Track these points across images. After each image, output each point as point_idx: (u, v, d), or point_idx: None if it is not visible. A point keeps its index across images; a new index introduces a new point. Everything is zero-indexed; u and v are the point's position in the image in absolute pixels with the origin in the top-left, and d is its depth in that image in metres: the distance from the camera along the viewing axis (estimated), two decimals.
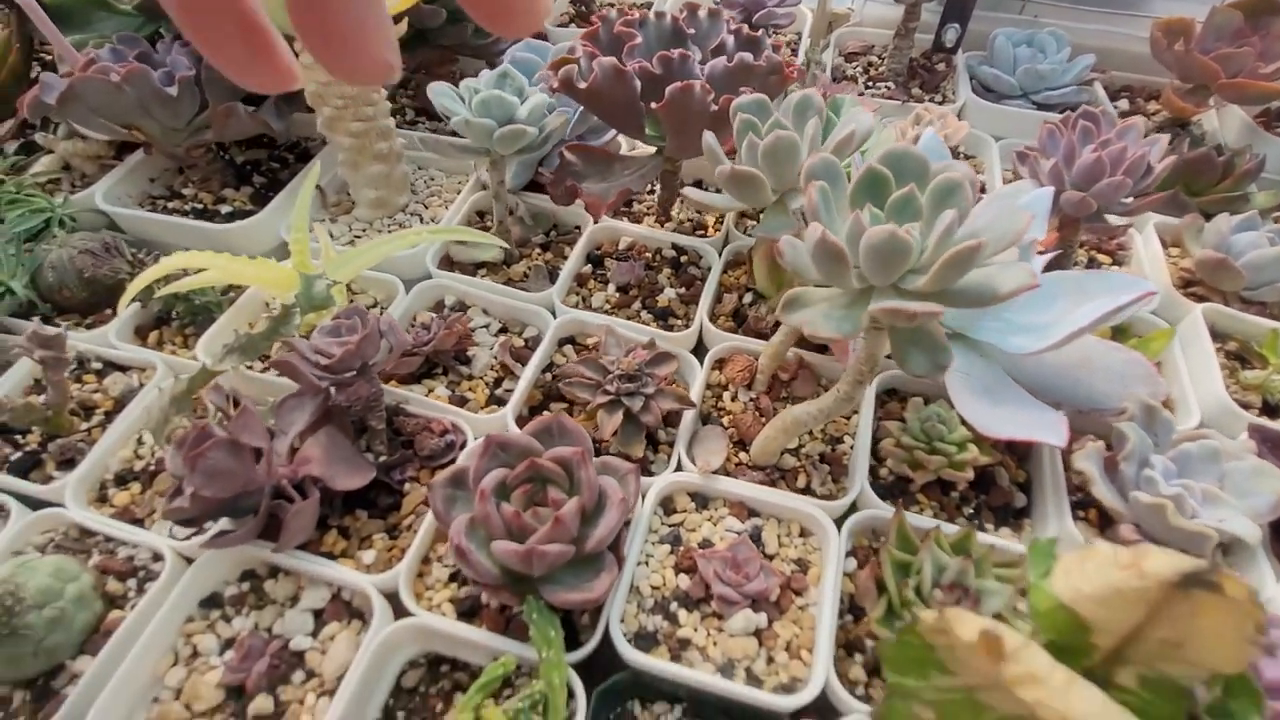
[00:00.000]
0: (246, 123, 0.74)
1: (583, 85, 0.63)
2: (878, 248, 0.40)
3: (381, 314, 0.58)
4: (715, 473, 0.60)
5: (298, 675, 0.51)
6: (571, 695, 0.48)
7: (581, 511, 0.49)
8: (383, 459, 0.60)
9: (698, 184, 0.90)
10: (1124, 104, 1.04)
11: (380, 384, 0.59)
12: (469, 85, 0.65)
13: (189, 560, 0.55)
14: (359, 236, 0.82)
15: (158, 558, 0.57)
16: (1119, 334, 0.72)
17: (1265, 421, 0.63)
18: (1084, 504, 0.60)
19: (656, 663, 0.50)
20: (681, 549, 0.57)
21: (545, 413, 0.65)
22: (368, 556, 0.55)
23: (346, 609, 0.54)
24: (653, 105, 0.63)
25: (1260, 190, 0.85)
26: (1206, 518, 0.53)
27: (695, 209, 0.86)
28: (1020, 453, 0.65)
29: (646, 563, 0.56)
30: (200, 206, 0.84)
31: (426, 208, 0.85)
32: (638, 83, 0.65)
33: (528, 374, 0.65)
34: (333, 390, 0.57)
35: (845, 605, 0.55)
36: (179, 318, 0.75)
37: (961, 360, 0.66)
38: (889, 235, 0.39)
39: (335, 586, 0.54)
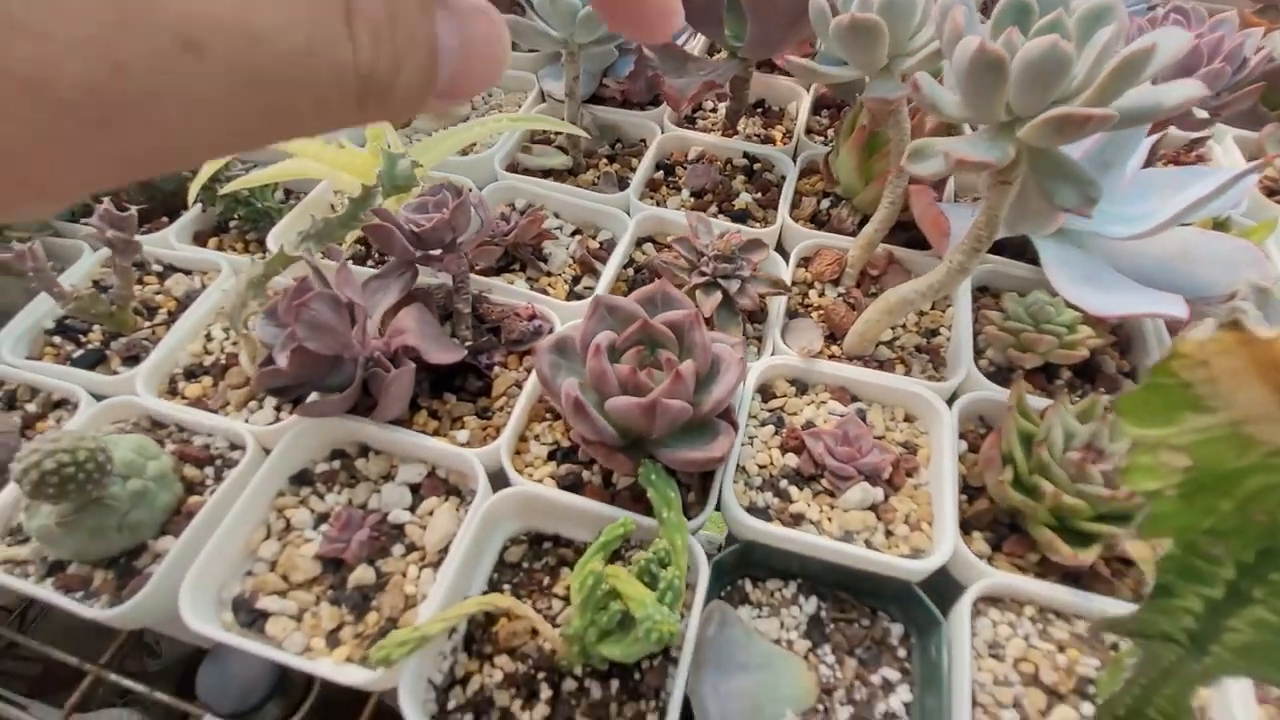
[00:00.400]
0: None
1: None
2: (1035, 63, 0.38)
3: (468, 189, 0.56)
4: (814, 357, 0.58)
5: (398, 548, 0.48)
6: (691, 561, 0.46)
7: (696, 374, 0.47)
8: (469, 344, 0.57)
9: (760, 104, 0.88)
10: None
11: (467, 264, 0.57)
12: None
13: (267, 452, 0.52)
14: None
15: (235, 446, 0.55)
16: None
17: None
18: None
19: (776, 529, 0.48)
20: (785, 430, 0.55)
21: None
22: (461, 436, 0.53)
23: (444, 485, 0.51)
24: None
25: None
26: None
27: (764, 125, 0.84)
28: (1123, 345, 0.63)
29: (750, 443, 0.54)
30: None
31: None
32: None
33: (614, 262, 0.63)
34: (419, 269, 0.55)
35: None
36: (239, 222, 0.73)
37: (1058, 251, 0.64)
38: (1050, 47, 0.37)
39: (431, 464, 0.52)
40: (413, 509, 0.50)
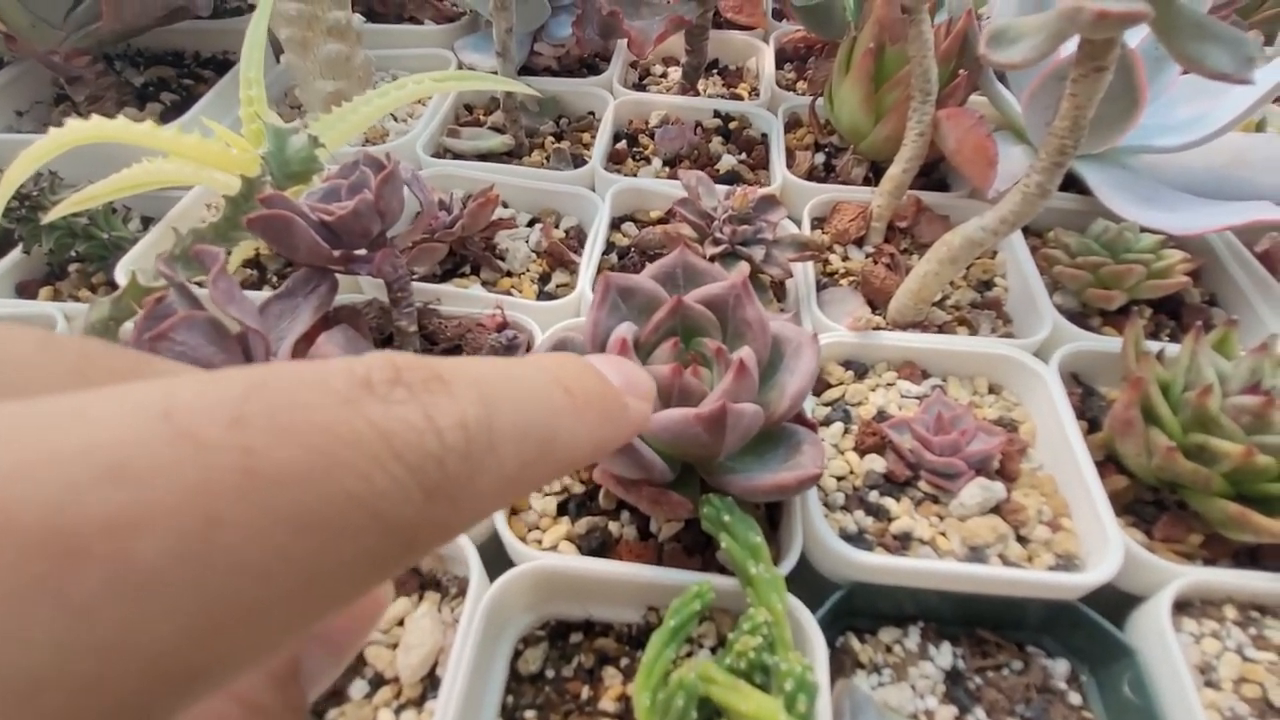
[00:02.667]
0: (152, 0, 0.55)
1: None
2: None
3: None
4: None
5: (358, 684, 0.32)
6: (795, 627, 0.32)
7: (758, 363, 0.34)
8: None
9: (714, 65, 0.77)
10: None
11: (406, 266, 0.42)
12: None
13: None
14: None
15: None
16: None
17: None
18: None
19: (891, 562, 0.35)
20: (857, 426, 0.42)
21: None
22: None
23: (415, 578, 0.36)
24: None
25: None
26: None
27: (725, 85, 0.73)
28: (1195, 271, 0.54)
29: None
30: None
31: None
32: None
33: (593, 251, 0.49)
34: (339, 280, 0.39)
35: None
36: (81, 261, 0.54)
37: (1103, 174, 0.55)
38: None
39: None
40: None
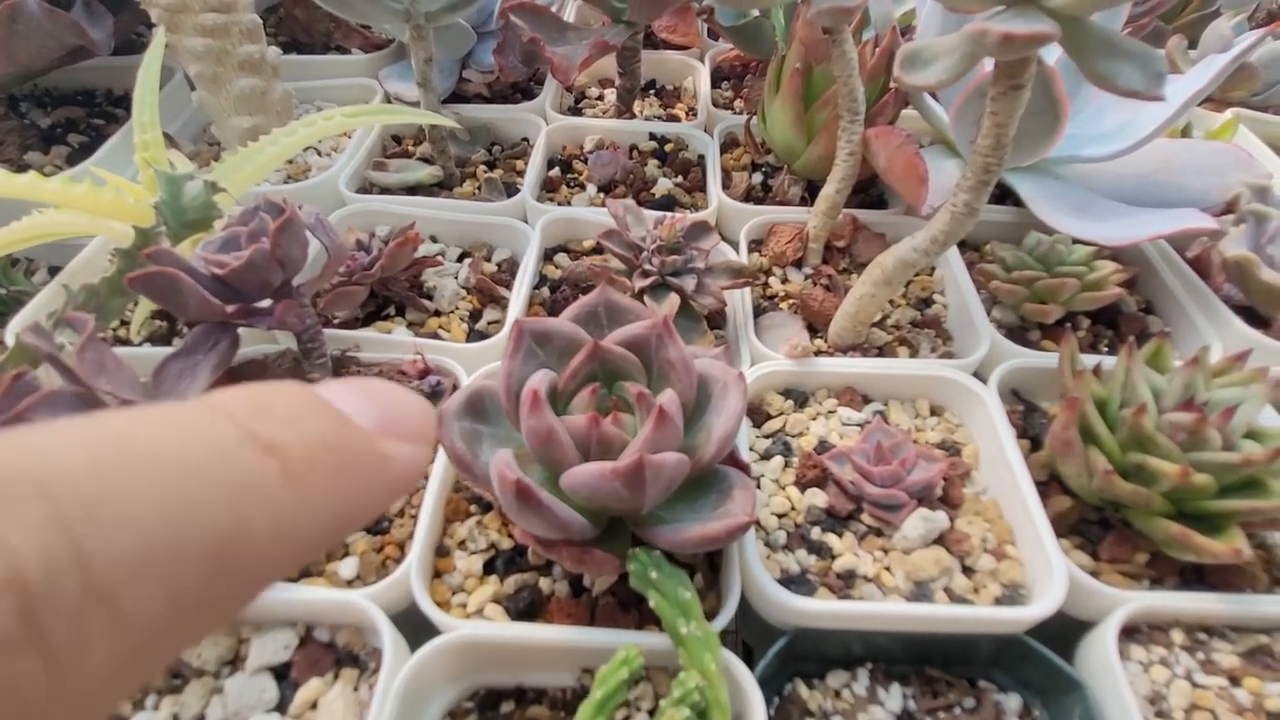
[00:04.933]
0: (45, 30, 0.52)
1: None
2: None
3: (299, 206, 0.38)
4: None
5: None
6: (732, 684, 0.30)
7: (683, 407, 0.32)
8: None
9: (651, 85, 0.76)
10: None
11: (314, 312, 0.39)
12: None
13: None
14: None
15: None
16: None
17: None
18: None
19: (834, 607, 0.34)
20: (797, 459, 0.41)
21: None
22: (347, 568, 0.35)
23: (329, 654, 0.33)
24: None
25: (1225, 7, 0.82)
26: None
27: (662, 106, 0.72)
28: (1130, 279, 0.54)
29: (758, 485, 0.40)
30: None
31: (320, 141, 0.65)
32: None
33: (522, 286, 0.47)
34: (240, 333, 0.37)
35: None
36: None
37: (1036, 186, 0.55)
38: None
39: (304, 625, 0.34)
40: (282, 707, 0.31)
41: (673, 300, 0.42)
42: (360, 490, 0.11)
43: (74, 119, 0.67)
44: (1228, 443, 0.35)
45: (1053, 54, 0.51)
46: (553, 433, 0.30)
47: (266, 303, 0.37)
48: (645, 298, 0.42)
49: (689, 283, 0.43)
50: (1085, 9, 0.30)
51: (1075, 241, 0.49)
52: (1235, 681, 0.33)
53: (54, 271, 0.56)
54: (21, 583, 0.07)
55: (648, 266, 0.43)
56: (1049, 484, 0.41)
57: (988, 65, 0.37)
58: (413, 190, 0.59)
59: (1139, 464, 0.36)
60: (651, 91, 0.75)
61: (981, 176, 0.39)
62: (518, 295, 0.47)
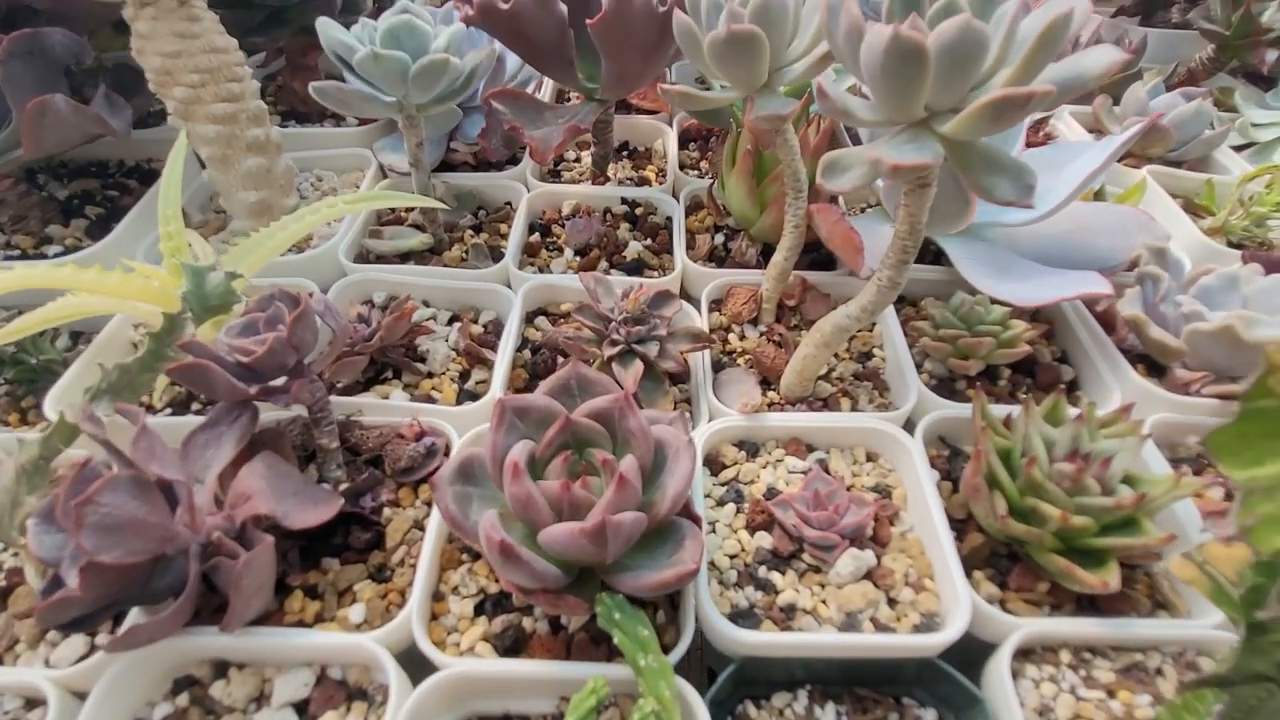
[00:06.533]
0: (70, 123, 0.57)
1: (505, 6, 0.54)
2: (952, 46, 0.33)
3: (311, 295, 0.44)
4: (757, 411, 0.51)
5: None
6: (684, 708, 0.36)
7: (641, 471, 0.38)
8: (345, 486, 0.45)
9: (624, 147, 0.83)
10: None
11: (324, 387, 0.45)
12: (366, 24, 0.54)
13: (81, 697, 0.37)
14: None
15: (32, 703, 0.39)
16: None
17: (1255, 251, 0.63)
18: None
19: (776, 638, 0.39)
20: (748, 505, 0.47)
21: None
22: (356, 613, 0.41)
23: (342, 691, 0.39)
24: (587, 21, 0.55)
25: (1145, 72, 0.90)
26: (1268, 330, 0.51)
27: (634, 168, 0.78)
28: (1047, 328, 0.61)
29: (713, 530, 0.46)
30: (17, 253, 0.65)
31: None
32: (563, 6, 0.56)
33: (506, 350, 0.53)
34: (259, 407, 0.43)
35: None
36: (8, 386, 0.56)
37: (963, 248, 0.62)
38: (965, 25, 0.33)
39: (320, 665, 0.39)
40: None
41: (637, 368, 0.48)
42: None
43: (90, 190, 0.72)
44: (1106, 488, 0.42)
45: None
46: (531, 498, 0.35)
47: (281, 381, 0.43)
48: (614, 364, 0.48)
49: (652, 349, 0.49)
50: (972, 136, 0.37)
51: (994, 301, 0.56)
52: (1111, 694, 0.39)
53: (75, 337, 0.61)
54: None
55: (615, 336, 0.49)
56: (968, 521, 0.48)
57: None
58: (406, 256, 0.65)
59: (1033, 507, 0.42)
60: (625, 154, 0.82)
61: (901, 256, 0.45)
62: (502, 358, 0.53)
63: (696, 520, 0.40)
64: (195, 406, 0.53)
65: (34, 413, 0.55)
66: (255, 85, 0.62)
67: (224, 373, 0.38)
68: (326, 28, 0.52)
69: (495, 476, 0.38)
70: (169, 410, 0.53)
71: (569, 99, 0.88)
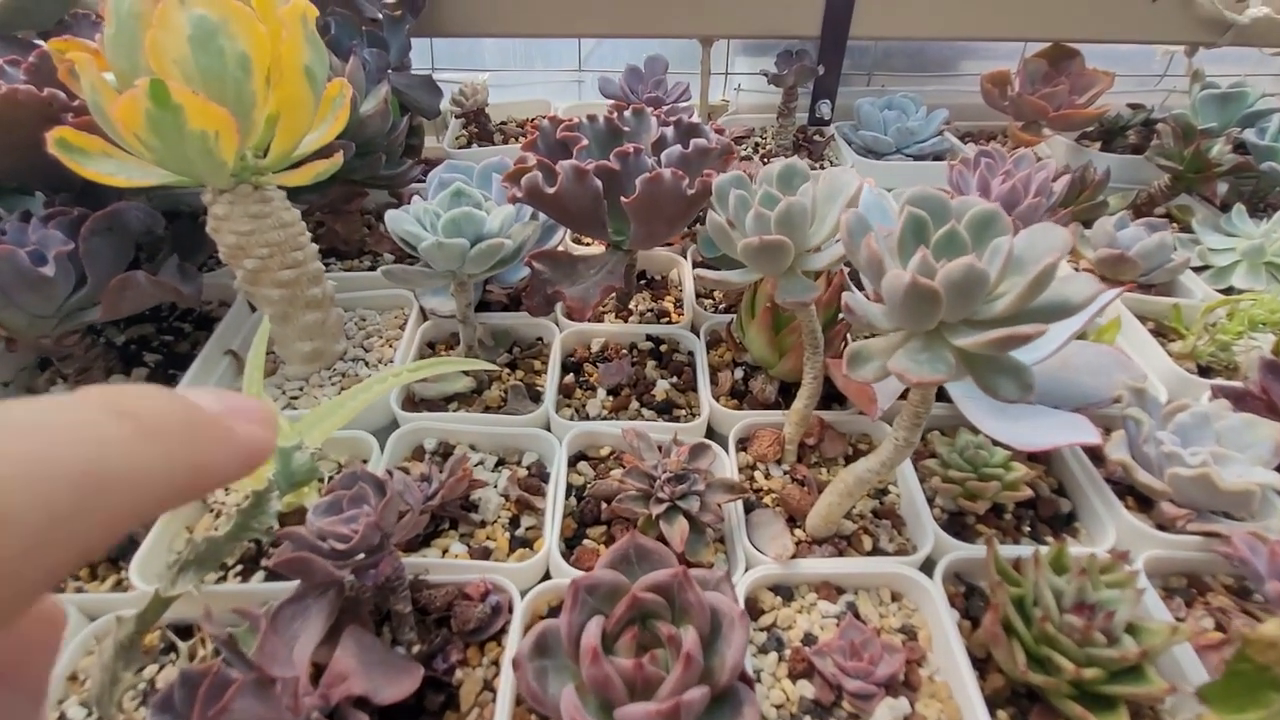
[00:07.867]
0: (148, 292, 0.63)
1: (550, 190, 0.61)
2: (958, 284, 0.40)
3: (387, 474, 0.49)
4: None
5: None
6: None
7: (700, 639, 0.42)
8: (417, 648, 0.49)
9: (641, 276, 0.90)
10: (971, 147, 1.19)
11: (401, 558, 0.49)
12: (422, 207, 0.61)
13: None
14: (296, 397, 0.71)
15: None
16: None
17: (1222, 381, 0.70)
18: (1117, 493, 0.62)
19: None
20: (789, 652, 0.51)
21: (584, 541, 0.58)
22: None
23: None
24: (622, 200, 0.62)
25: (1109, 196, 1.00)
26: (1240, 475, 0.57)
27: (653, 299, 0.85)
28: (1044, 461, 0.67)
29: (759, 679, 0.50)
30: None
31: (367, 350, 0.76)
32: (598, 182, 0.64)
33: (556, 500, 0.58)
34: (348, 580, 0.47)
35: None
36: None
37: (964, 388, 0.68)
38: (967, 268, 0.39)
39: None
40: None
41: (682, 525, 0.53)
42: (208, 449, 0.14)
43: (145, 336, 0.77)
44: (1112, 638, 0.47)
45: None
46: (609, 679, 0.39)
47: (364, 557, 0.47)
48: (660, 522, 0.53)
49: (694, 504, 0.54)
50: (984, 350, 0.43)
51: (994, 443, 0.62)
52: None
53: None
54: None
55: (660, 495, 0.54)
56: (988, 660, 0.52)
57: None
58: (449, 398, 0.70)
59: (1047, 656, 0.47)
60: (643, 283, 0.89)
61: (914, 421, 0.51)
62: (553, 508, 0.57)
63: (750, 683, 0.44)
64: (261, 564, 0.57)
65: (104, 570, 0.58)
66: (314, 249, 0.68)
67: (324, 564, 0.43)
68: (395, 222, 0.58)
69: (570, 652, 0.42)
70: (239, 567, 0.56)
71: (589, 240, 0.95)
